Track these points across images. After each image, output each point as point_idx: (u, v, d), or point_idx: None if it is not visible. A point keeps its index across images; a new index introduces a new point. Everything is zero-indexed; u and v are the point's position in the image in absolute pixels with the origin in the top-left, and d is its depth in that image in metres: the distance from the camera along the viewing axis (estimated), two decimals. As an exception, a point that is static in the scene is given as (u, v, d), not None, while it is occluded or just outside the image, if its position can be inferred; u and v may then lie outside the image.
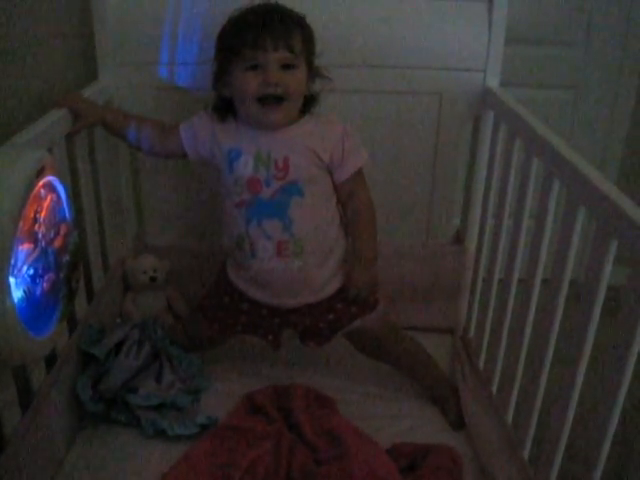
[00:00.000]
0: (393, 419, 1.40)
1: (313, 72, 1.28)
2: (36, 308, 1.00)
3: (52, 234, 1.05)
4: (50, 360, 1.21)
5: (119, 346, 1.38)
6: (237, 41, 1.21)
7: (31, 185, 0.96)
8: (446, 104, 1.51)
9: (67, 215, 1.12)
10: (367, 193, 1.34)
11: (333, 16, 1.47)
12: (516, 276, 1.32)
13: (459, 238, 1.69)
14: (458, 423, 1.38)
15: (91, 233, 1.43)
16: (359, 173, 1.33)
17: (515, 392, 1.31)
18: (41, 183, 1.00)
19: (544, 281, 1.17)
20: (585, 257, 1.02)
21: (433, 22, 1.49)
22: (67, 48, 1.49)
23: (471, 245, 1.64)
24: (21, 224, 0.93)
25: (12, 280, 0.91)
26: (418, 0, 1.48)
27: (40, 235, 1.00)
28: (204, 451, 1.25)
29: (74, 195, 1.26)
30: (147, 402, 1.32)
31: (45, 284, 1.03)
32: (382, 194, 1.62)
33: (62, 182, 1.09)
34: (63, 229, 1.09)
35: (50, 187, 1.05)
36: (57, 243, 1.07)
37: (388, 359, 1.46)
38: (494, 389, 1.43)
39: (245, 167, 1.26)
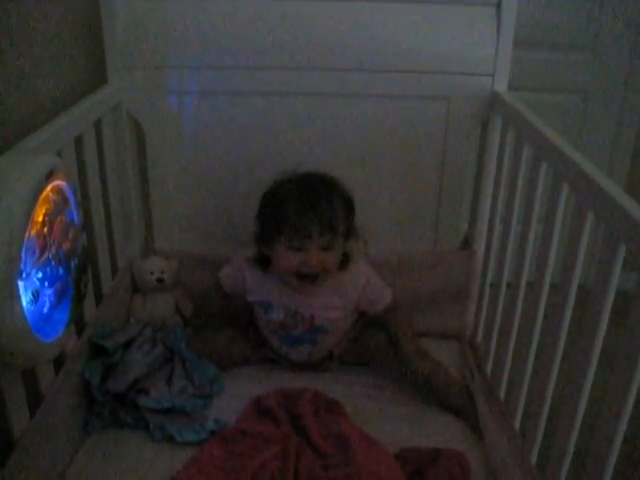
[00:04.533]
0: (401, 424, 1.39)
1: (350, 234, 1.39)
2: (44, 311, 1.01)
3: (61, 237, 1.05)
4: (58, 362, 1.22)
5: (130, 345, 1.38)
6: (283, 222, 1.31)
7: (40, 189, 0.96)
8: (454, 108, 1.51)
9: (76, 218, 1.13)
10: (395, 303, 1.50)
11: (341, 21, 1.47)
12: (524, 281, 1.31)
13: (467, 243, 1.69)
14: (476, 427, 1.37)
15: (99, 236, 1.44)
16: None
17: (523, 397, 1.30)
18: (50, 187, 1.00)
19: (552, 286, 1.17)
20: (593, 262, 1.02)
21: (441, 26, 1.49)
22: (77, 52, 1.49)
23: (479, 250, 1.63)
24: (30, 228, 0.93)
25: (21, 283, 0.92)
26: (426, 4, 1.48)
27: (49, 238, 1.01)
28: (212, 455, 1.25)
29: (83, 198, 1.26)
30: (157, 405, 1.31)
31: (53, 287, 1.03)
32: (390, 199, 1.63)
33: (71, 186, 1.10)
34: (72, 232, 1.10)
35: (59, 191, 1.05)
36: (66, 246, 1.07)
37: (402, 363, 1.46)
38: (502, 394, 1.42)
39: (277, 316, 1.44)
